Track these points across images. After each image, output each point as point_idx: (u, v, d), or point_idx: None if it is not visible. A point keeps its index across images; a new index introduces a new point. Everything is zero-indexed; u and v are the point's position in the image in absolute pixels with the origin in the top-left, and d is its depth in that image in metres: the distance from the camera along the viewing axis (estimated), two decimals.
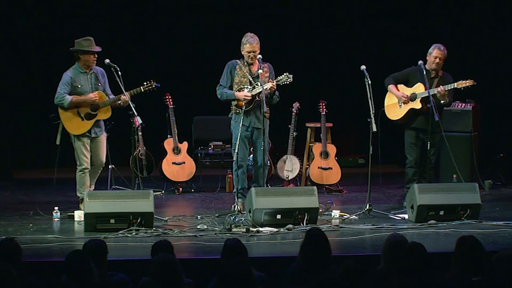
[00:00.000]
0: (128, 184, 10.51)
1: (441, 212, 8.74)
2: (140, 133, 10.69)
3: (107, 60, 9.11)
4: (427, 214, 8.70)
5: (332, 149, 10.88)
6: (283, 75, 9.27)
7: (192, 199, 10.50)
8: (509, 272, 4.93)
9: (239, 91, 9.28)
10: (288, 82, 9.28)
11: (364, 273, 5.19)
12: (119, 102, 9.10)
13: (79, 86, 9.10)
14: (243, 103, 9.20)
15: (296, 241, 7.40)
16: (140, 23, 13.07)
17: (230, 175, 10.62)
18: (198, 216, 8.93)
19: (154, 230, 8.21)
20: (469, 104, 11.01)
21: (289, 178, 10.98)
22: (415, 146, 9.56)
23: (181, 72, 12.67)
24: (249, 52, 9.25)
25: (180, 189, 10.83)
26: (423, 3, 13.16)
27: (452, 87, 9.34)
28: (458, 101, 10.91)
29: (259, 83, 9.15)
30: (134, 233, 8.08)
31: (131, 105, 9.08)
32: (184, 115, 11.34)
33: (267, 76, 9.30)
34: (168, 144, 10.85)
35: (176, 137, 10.82)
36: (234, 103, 9.34)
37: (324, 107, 10.86)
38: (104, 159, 9.29)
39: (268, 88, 9.10)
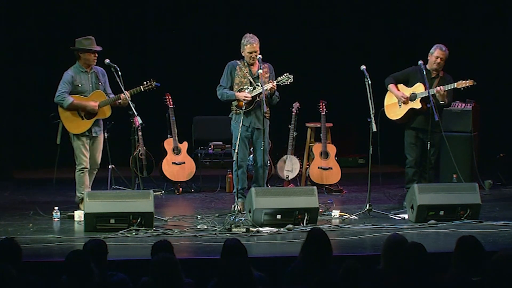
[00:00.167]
0: (128, 184, 10.49)
1: (441, 212, 8.73)
2: (140, 133, 10.68)
3: (107, 60, 9.11)
4: (427, 214, 8.69)
5: (332, 149, 10.87)
6: (283, 76, 9.27)
7: (192, 199, 10.49)
8: (509, 272, 4.92)
9: (239, 92, 9.28)
10: (288, 83, 9.28)
11: (364, 273, 5.19)
12: (119, 101, 9.10)
13: (80, 85, 9.11)
14: (243, 104, 9.20)
15: (296, 241, 7.41)
16: (140, 23, 13.07)
17: (230, 175, 10.62)
18: (198, 216, 8.92)
19: (154, 230, 8.20)
20: (469, 104, 11.00)
21: (289, 178, 10.98)
22: (415, 146, 9.55)
23: (181, 72, 12.65)
24: (251, 53, 9.24)
25: (180, 189, 10.83)
26: (423, 3, 13.15)
27: (452, 87, 9.33)
28: (458, 101, 10.91)
29: (259, 84, 9.15)
30: (134, 233, 8.07)
31: (131, 105, 9.07)
32: (184, 115, 11.33)
33: (267, 76, 9.30)
34: (168, 144, 10.85)
35: (176, 137, 10.81)
36: (234, 103, 9.34)
37: (324, 107, 10.86)
38: (99, 160, 9.28)
39: (268, 89, 9.10)
